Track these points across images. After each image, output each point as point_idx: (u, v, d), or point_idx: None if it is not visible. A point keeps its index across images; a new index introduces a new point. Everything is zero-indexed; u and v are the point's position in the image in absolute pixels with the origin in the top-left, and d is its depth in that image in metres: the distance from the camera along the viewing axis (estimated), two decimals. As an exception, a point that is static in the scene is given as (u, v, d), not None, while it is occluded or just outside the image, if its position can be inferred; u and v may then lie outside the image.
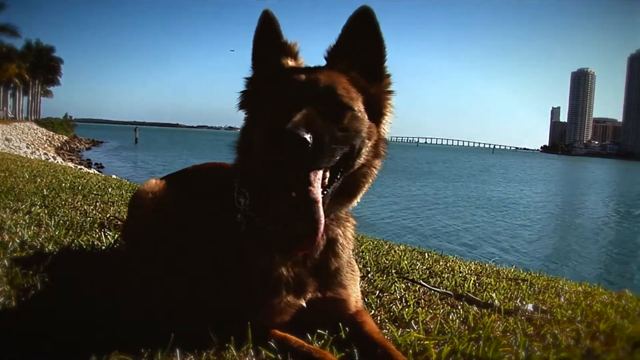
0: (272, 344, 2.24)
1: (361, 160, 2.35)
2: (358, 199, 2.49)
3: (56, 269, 3.25)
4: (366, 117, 2.35)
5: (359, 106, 2.34)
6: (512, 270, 5.52)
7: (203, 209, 2.89)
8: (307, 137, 1.97)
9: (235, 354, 2.18)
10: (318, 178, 2.15)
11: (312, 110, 2.13)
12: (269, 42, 2.47)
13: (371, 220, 25.88)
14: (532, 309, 3.31)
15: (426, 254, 5.65)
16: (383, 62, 2.46)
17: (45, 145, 62.55)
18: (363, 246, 5.37)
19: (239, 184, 2.50)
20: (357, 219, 2.73)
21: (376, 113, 2.43)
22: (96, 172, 31.92)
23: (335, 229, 2.56)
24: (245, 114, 2.50)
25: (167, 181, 3.50)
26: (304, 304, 2.45)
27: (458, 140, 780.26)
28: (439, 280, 4.12)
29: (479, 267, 5.20)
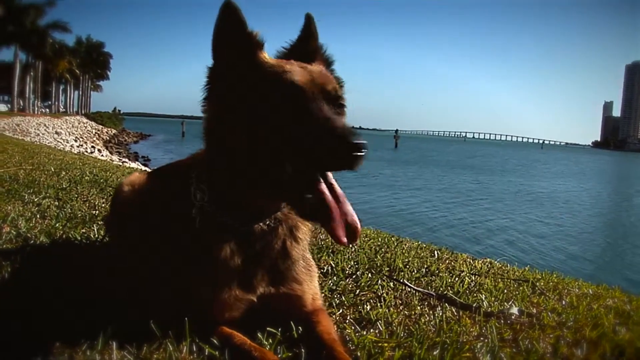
0: (215, 340, 2.21)
1: None
2: None
3: (36, 260, 3.33)
4: None
5: None
6: (525, 269, 5.35)
7: (161, 203, 2.88)
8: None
9: (171, 349, 2.15)
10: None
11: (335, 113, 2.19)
12: (234, 33, 2.39)
13: (404, 213, 25.74)
14: (517, 313, 3.17)
15: (436, 252, 5.52)
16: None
17: (94, 139, 64.39)
18: (367, 244, 5.28)
19: (198, 179, 2.50)
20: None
21: None
22: (140, 165, 32.87)
23: (294, 218, 2.56)
24: (213, 105, 2.42)
25: (149, 175, 3.52)
26: (254, 299, 2.42)
27: (506, 135, 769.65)
28: (431, 279, 4.01)
29: (485, 267, 5.04)
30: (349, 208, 2.17)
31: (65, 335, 2.16)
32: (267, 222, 2.47)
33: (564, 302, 3.73)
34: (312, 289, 2.63)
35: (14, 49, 72.98)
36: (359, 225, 2.15)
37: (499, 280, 4.31)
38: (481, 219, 26.72)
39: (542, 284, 4.36)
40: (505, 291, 3.90)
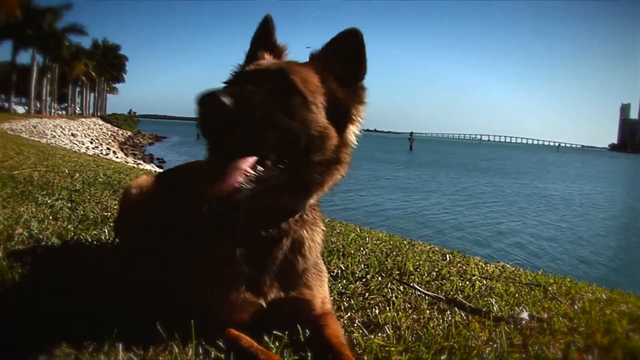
0: (221, 343, 2.21)
1: (315, 158, 2.26)
2: (312, 198, 2.41)
3: (46, 261, 3.35)
4: (323, 114, 2.29)
5: (316, 99, 2.29)
6: (538, 273, 5.29)
7: (168, 205, 2.90)
8: (226, 100, 1.92)
9: (177, 351, 2.15)
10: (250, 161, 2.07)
11: (252, 87, 2.13)
12: (261, 42, 2.60)
13: (416, 215, 25.60)
14: (527, 318, 3.14)
15: (448, 255, 5.49)
16: (360, 77, 2.45)
17: (109, 141, 64.85)
18: (378, 247, 5.26)
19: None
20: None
21: (340, 118, 2.37)
22: (155, 167, 33.07)
23: (299, 230, 2.50)
24: None
25: (156, 177, 3.54)
26: (264, 304, 2.41)
27: (522, 138, 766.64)
28: (442, 283, 3.98)
29: (497, 270, 5.00)
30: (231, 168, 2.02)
31: (71, 336, 2.17)
32: (275, 230, 2.41)
33: (576, 307, 3.68)
34: (321, 293, 2.61)
35: (31, 52, 73.90)
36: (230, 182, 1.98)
37: (511, 284, 4.27)
38: (494, 222, 26.48)
39: (554, 288, 4.31)
40: (517, 295, 3.87)
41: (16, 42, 70.45)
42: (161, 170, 3.87)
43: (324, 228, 2.68)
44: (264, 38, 2.60)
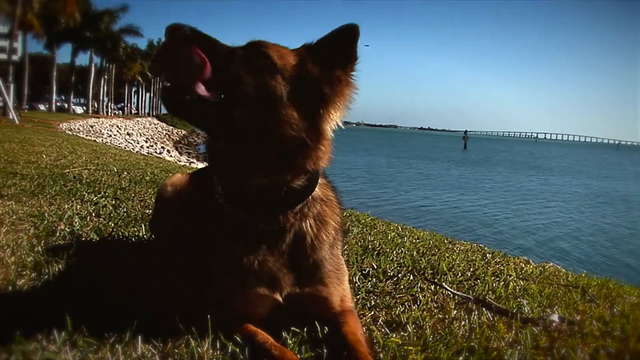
0: (238, 338, 2.26)
1: (272, 130, 2.24)
2: (283, 175, 2.35)
3: (84, 257, 3.48)
4: (290, 88, 2.29)
5: (286, 69, 2.31)
6: (581, 275, 5.13)
7: (193, 203, 2.97)
8: (186, 28, 2.12)
9: (194, 344, 2.21)
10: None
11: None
12: None
13: (465, 213, 25.14)
14: (557, 320, 3.06)
15: (487, 255, 5.41)
16: (347, 63, 2.42)
17: (164, 140, 66.23)
18: (415, 246, 5.22)
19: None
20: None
21: (313, 98, 2.34)
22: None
23: (300, 224, 2.51)
24: None
25: (190, 176, 3.62)
26: (281, 299, 2.44)
27: (579, 136, 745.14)
28: (475, 283, 3.92)
29: (536, 271, 4.89)
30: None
31: (94, 328, 2.24)
32: (279, 224, 2.45)
33: (615, 311, 3.56)
34: (340, 291, 2.60)
35: (89, 54, 76.38)
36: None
37: (547, 285, 4.16)
38: (546, 221, 25.71)
39: (594, 290, 4.17)
40: (551, 297, 3.77)
41: (75, 45, 72.94)
42: (196, 168, 3.95)
43: (336, 224, 2.66)
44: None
